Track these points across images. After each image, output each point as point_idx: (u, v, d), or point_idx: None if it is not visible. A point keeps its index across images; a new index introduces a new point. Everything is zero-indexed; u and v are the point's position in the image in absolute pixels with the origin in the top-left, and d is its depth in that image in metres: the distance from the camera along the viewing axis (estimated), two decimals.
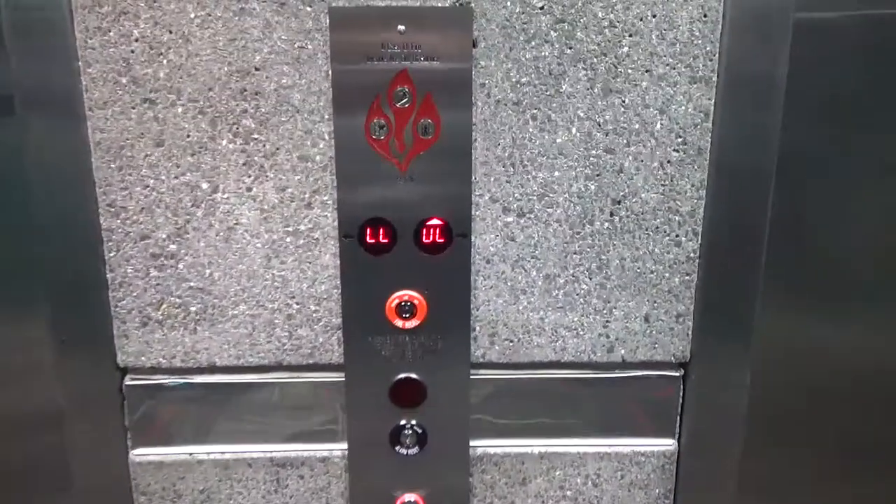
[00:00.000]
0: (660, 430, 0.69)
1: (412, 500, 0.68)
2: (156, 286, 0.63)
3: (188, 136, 0.59)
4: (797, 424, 0.68)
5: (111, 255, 0.62)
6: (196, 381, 0.66)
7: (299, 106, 0.59)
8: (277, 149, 0.60)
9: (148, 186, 0.60)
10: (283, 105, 0.59)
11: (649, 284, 0.64)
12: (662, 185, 0.62)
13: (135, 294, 0.63)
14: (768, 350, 0.66)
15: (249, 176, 0.61)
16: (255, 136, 0.60)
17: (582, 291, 0.64)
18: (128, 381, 0.66)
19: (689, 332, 0.66)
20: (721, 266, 0.64)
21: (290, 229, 0.62)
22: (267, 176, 0.61)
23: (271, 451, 0.68)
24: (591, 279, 0.64)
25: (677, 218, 0.63)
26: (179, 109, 0.59)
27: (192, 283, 0.63)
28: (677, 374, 0.68)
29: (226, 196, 0.61)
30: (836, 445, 0.70)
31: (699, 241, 0.63)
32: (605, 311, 0.65)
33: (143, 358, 0.65)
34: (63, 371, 0.64)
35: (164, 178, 0.60)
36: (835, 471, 0.71)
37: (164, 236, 0.62)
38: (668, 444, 0.69)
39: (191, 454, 0.68)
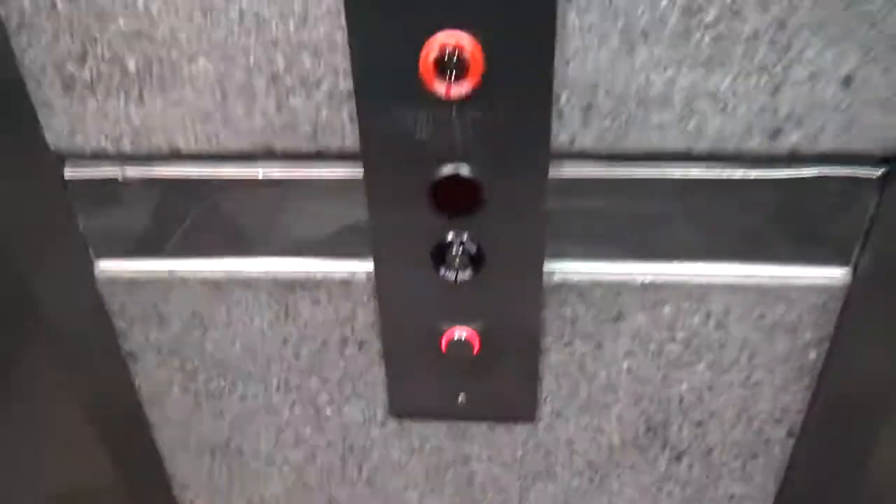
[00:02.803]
0: (828, 256, 0.42)
1: (463, 336, 0.45)
2: (69, 28, 0.36)
3: None
4: None
5: None
6: (157, 175, 0.41)
7: None
8: None
9: None
10: None
11: (865, 22, 0.33)
12: None
13: (43, 42, 0.36)
14: None
15: None
16: None
17: (745, 33, 0.34)
18: (69, 173, 0.42)
19: None
20: None
21: None
22: None
23: (275, 270, 0.45)
24: (764, 11, 0.33)
25: None
26: None
27: (122, 23, 0.36)
28: (875, 173, 0.38)
29: None
30: None
31: None
32: (777, 69, 0.34)
33: (78, 137, 0.40)
34: None
35: None
36: None
37: None
38: (836, 275, 0.42)
39: (170, 272, 0.45)
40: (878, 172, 0.40)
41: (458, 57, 0.36)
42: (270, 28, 0.38)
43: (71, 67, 0.40)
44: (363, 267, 0.47)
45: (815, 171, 0.40)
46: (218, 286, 0.48)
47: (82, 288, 0.49)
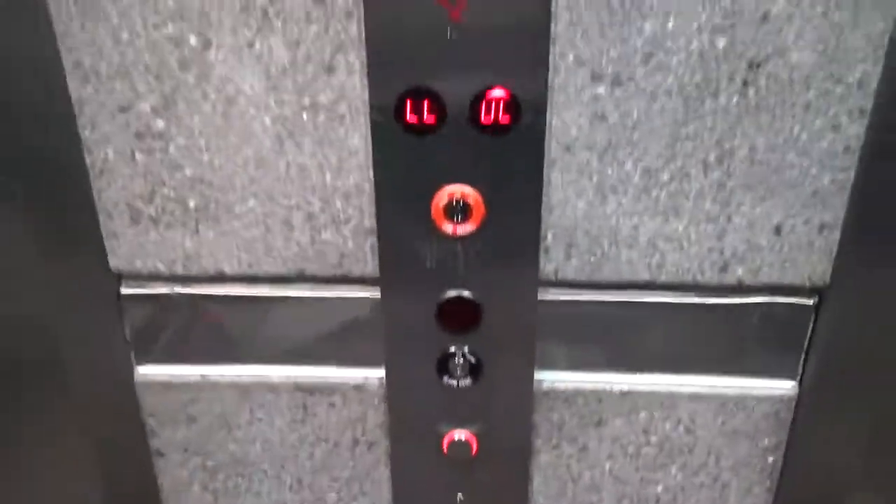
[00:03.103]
0: (777, 370, 0.50)
1: (462, 438, 0.51)
2: (144, 174, 0.45)
3: None
4: None
5: (87, 132, 0.44)
6: (202, 293, 0.50)
7: None
8: None
9: (121, 41, 0.41)
10: None
11: (787, 184, 0.43)
12: (823, 42, 0.39)
13: (120, 183, 0.46)
14: None
15: (249, 27, 0.41)
16: None
17: (693, 191, 0.44)
18: (125, 290, 0.50)
19: (834, 249, 0.44)
20: (889, 161, 0.42)
21: (306, 102, 0.43)
22: (272, 26, 0.40)
23: (296, 376, 0.52)
24: (706, 175, 0.43)
25: (839, 90, 0.40)
26: None
27: (188, 171, 0.45)
28: (809, 301, 0.47)
29: (221, 55, 0.41)
30: None
31: (865, 125, 0.41)
32: (721, 219, 0.44)
33: (137, 262, 0.48)
34: (52, 277, 0.48)
35: (139, 29, 0.41)
36: None
37: (147, 109, 0.43)
38: (785, 386, 0.50)
39: (203, 376, 0.52)
40: (811, 301, 0.50)
41: (463, 203, 0.46)
42: (311, 177, 0.47)
43: (140, 204, 0.49)
44: (375, 373, 0.54)
45: (760, 299, 0.50)
46: (245, 390, 0.55)
47: (121, 390, 0.55)
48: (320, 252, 0.49)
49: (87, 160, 0.47)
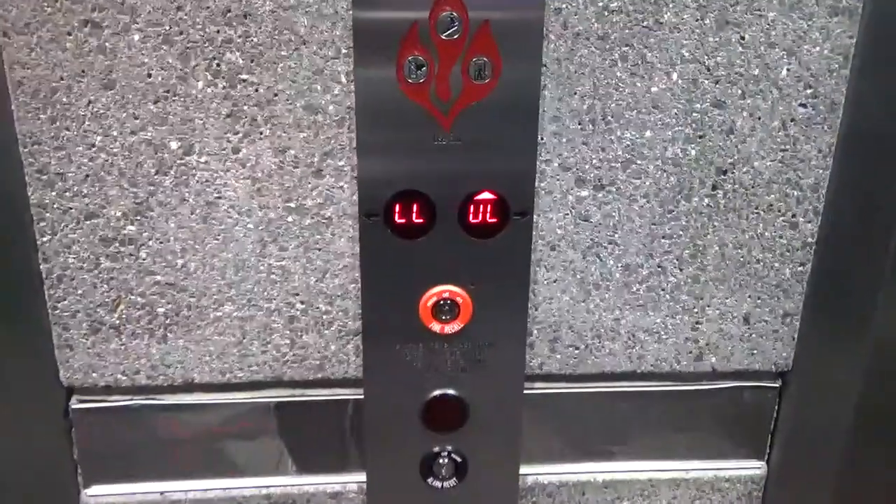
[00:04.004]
0: (747, 452, 0.53)
1: None
2: (109, 281, 0.44)
3: (149, 75, 0.39)
4: None
5: (45, 239, 0.42)
6: (166, 403, 0.47)
7: (306, 35, 0.39)
8: (275, 95, 0.40)
9: (94, 146, 0.41)
10: (284, 33, 0.39)
11: (753, 277, 0.48)
12: (782, 151, 0.45)
13: (80, 292, 0.44)
14: (886, 360, 0.49)
15: (236, 133, 0.41)
16: (244, 76, 0.40)
17: (669, 286, 0.47)
18: (76, 404, 0.47)
19: (795, 336, 0.49)
20: (840, 253, 0.47)
21: (292, 205, 0.43)
22: (260, 133, 0.41)
23: (268, 487, 0.50)
24: (681, 270, 0.47)
25: (796, 193, 0.46)
26: (136, 37, 0.39)
27: (158, 277, 0.44)
28: (775, 385, 0.51)
29: (203, 160, 0.41)
30: None
31: (818, 223, 0.46)
32: (695, 311, 0.48)
33: (94, 374, 0.46)
34: None
35: (115, 133, 0.41)
36: None
37: (118, 214, 0.42)
38: (755, 466, 0.53)
39: (162, 493, 0.50)
40: (776, 384, 0.54)
41: (451, 303, 0.47)
42: (294, 280, 0.47)
43: (101, 313, 0.47)
44: (354, 479, 0.53)
45: (730, 385, 0.53)
46: None
47: None
48: (300, 356, 0.49)
49: (43, 269, 0.45)
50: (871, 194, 0.48)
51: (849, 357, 0.51)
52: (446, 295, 0.46)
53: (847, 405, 0.53)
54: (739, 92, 0.44)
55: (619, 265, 0.48)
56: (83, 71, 0.40)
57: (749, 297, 0.49)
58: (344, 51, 0.41)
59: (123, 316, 0.46)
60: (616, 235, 0.47)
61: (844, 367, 0.52)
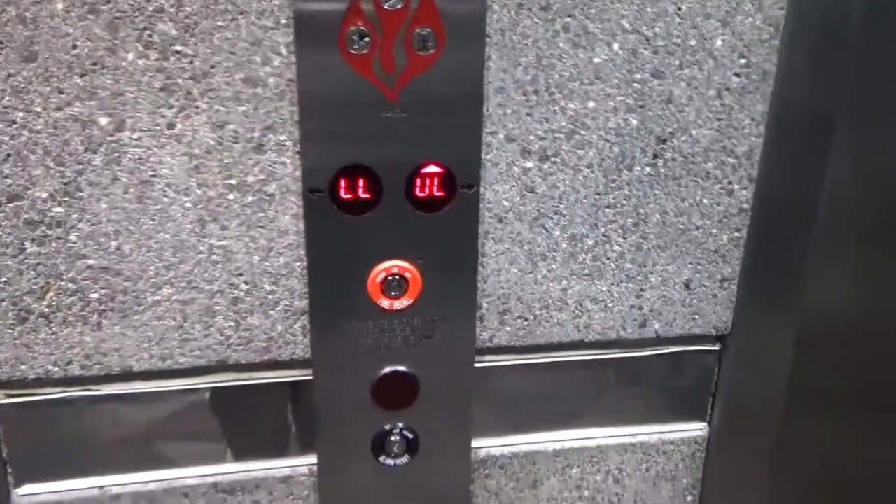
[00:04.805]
0: (690, 414, 0.57)
1: None
2: (36, 267, 0.42)
3: (74, 46, 0.38)
4: (844, 407, 0.58)
5: None
6: (102, 393, 0.47)
7: (243, 5, 0.39)
8: (212, 67, 0.40)
9: (15, 123, 0.39)
10: (219, 3, 0.39)
11: (693, 243, 0.50)
12: (718, 119, 0.47)
13: (4, 279, 0.42)
14: (819, 320, 0.54)
15: (171, 107, 0.41)
16: (178, 47, 0.39)
17: (614, 254, 0.50)
18: (2, 400, 0.45)
19: (734, 300, 0.53)
20: (773, 219, 0.51)
21: (232, 182, 0.43)
22: (197, 107, 0.41)
23: (214, 475, 0.50)
24: (625, 239, 0.49)
25: (731, 160, 0.49)
26: (59, 6, 0.37)
27: (91, 262, 0.43)
28: (714, 348, 0.55)
29: (136, 136, 0.41)
30: (887, 432, 0.60)
31: (753, 189, 0.49)
32: (639, 278, 0.51)
33: (22, 367, 0.45)
34: None
35: (39, 109, 0.39)
36: (883, 460, 0.61)
37: (44, 195, 0.41)
38: (698, 428, 0.57)
39: (101, 487, 0.49)
40: (716, 347, 0.57)
41: (400, 278, 0.48)
42: (235, 259, 0.47)
43: (28, 300, 0.46)
44: (304, 462, 0.54)
45: (673, 350, 0.56)
46: (153, 498, 0.52)
47: None
48: (245, 338, 0.49)
49: None
50: (802, 162, 0.51)
51: (784, 320, 0.55)
52: (395, 270, 0.47)
53: (783, 367, 0.56)
54: (677, 62, 0.46)
55: (566, 236, 0.50)
56: (1, 42, 0.39)
57: (689, 263, 0.52)
58: (283, 21, 0.41)
59: (53, 303, 0.45)
60: (562, 206, 0.49)
61: (780, 329, 0.56)
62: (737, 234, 0.52)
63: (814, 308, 0.54)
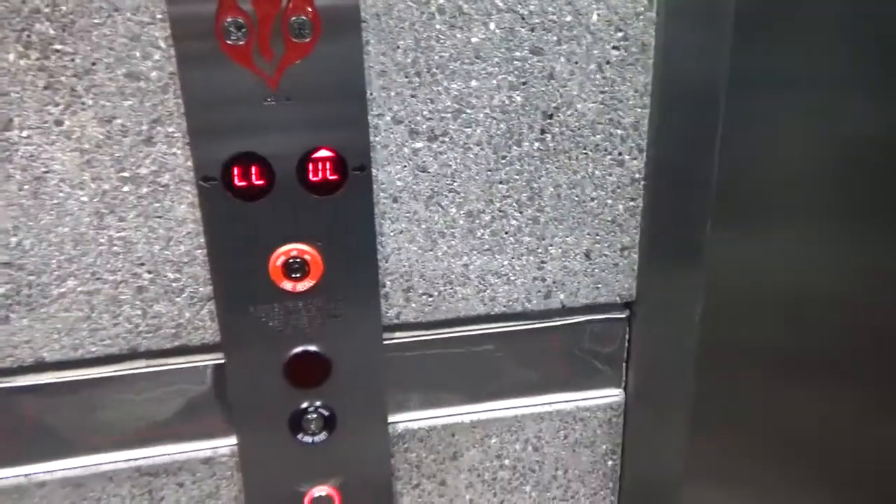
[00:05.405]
0: (605, 381, 0.59)
1: (324, 493, 0.55)
2: None
3: None
4: (751, 363, 0.60)
5: None
6: (18, 384, 0.49)
7: (116, 2, 0.41)
8: (93, 64, 0.42)
9: None
10: (93, 1, 0.41)
11: (590, 214, 0.53)
12: (601, 93, 0.49)
13: None
14: (720, 281, 0.56)
15: (57, 104, 0.43)
16: (57, 46, 0.41)
17: (512, 228, 0.52)
18: None
19: (635, 267, 0.55)
20: (668, 187, 0.53)
21: (125, 175, 0.45)
22: (83, 103, 0.43)
23: (137, 459, 0.53)
24: (521, 213, 0.52)
25: (619, 132, 0.51)
26: None
27: None
28: (622, 315, 0.57)
29: (25, 134, 0.43)
30: (793, 384, 0.62)
31: (644, 159, 0.52)
32: (539, 251, 0.53)
33: None
34: None
35: None
36: (795, 414, 0.63)
37: None
38: (614, 394, 0.60)
39: (27, 475, 0.51)
40: (624, 315, 0.60)
41: (300, 261, 0.51)
42: (137, 250, 0.50)
43: None
44: (225, 443, 0.56)
45: (581, 318, 0.59)
46: (79, 484, 0.55)
47: None
48: (154, 325, 0.51)
49: None
50: (691, 130, 0.53)
51: (688, 284, 0.57)
52: (294, 253, 0.50)
53: (691, 329, 0.59)
54: (555, 38, 0.49)
55: (462, 212, 0.52)
56: None
57: (588, 234, 0.55)
58: (159, 16, 0.43)
59: None
60: (455, 184, 0.51)
61: (686, 293, 0.58)
62: (632, 203, 0.54)
63: (716, 270, 0.56)
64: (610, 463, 0.62)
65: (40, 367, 0.50)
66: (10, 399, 0.51)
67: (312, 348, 0.52)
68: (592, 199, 0.53)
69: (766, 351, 0.60)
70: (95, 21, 0.42)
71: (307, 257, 0.49)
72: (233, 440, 0.55)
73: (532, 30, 0.48)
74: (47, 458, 0.53)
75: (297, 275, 0.50)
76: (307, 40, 0.44)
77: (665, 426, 0.62)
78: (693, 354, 0.59)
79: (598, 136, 0.52)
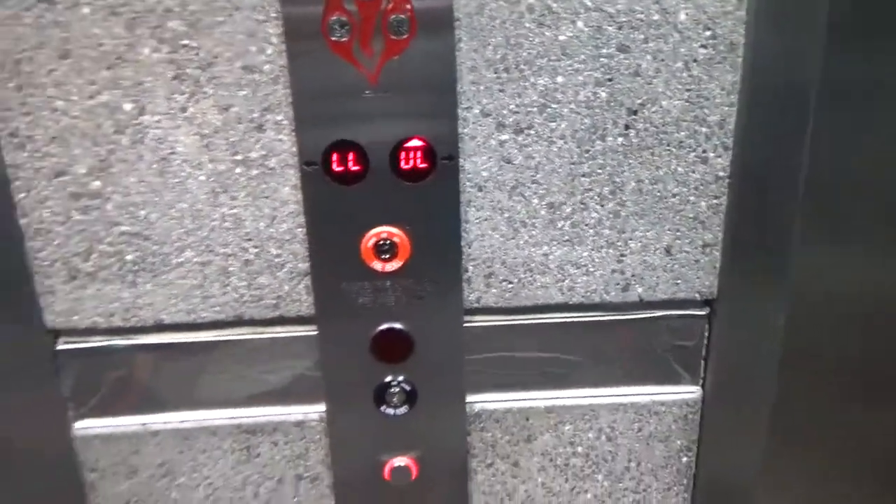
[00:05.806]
0: (682, 377, 0.60)
1: (403, 463, 0.59)
2: (81, 232, 0.52)
3: (100, 44, 0.47)
4: (835, 370, 0.59)
5: (21, 196, 0.50)
6: (141, 342, 0.56)
7: (237, 1, 0.46)
8: (215, 57, 0.48)
9: (57, 110, 0.48)
10: (217, 1, 0.46)
11: (671, 210, 0.54)
12: (687, 90, 0.51)
13: (56, 242, 0.52)
14: (806, 285, 0.56)
15: (183, 93, 0.49)
16: (185, 41, 0.47)
17: (592, 221, 0.54)
18: (61, 346, 0.55)
19: (717, 265, 0.56)
20: (754, 187, 0.54)
21: (238, 157, 0.51)
22: (204, 92, 0.49)
23: (238, 417, 0.59)
24: (602, 206, 0.54)
25: (704, 129, 0.52)
26: (86, 10, 0.46)
27: (124, 228, 0.52)
28: (703, 312, 0.58)
29: (156, 119, 0.49)
30: (878, 393, 0.61)
31: (730, 158, 0.52)
32: (619, 244, 0.55)
33: (75, 317, 0.54)
34: None
35: (75, 98, 0.48)
36: (875, 420, 0.62)
37: (83, 171, 0.50)
38: (691, 391, 0.60)
39: (144, 424, 0.58)
40: (704, 312, 0.61)
41: (389, 243, 0.55)
42: (245, 226, 0.55)
43: (77, 261, 0.55)
44: (315, 409, 0.61)
45: (659, 313, 0.60)
46: (186, 436, 0.61)
47: (58, 446, 0.60)
48: (257, 296, 0.57)
49: (22, 222, 0.53)
50: (779, 130, 0.53)
51: (773, 284, 0.58)
52: (384, 235, 0.54)
53: (775, 331, 0.59)
54: (642, 37, 0.50)
55: (544, 203, 0.55)
56: (41, 43, 0.48)
57: (668, 229, 0.56)
58: (273, 14, 0.48)
59: (97, 264, 0.54)
60: (538, 175, 0.54)
61: (770, 294, 0.58)
62: (715, 200, 0.55)
63: (802, 272, 0.56)
64: (684, 459, 0.63)
65: (160, 328, 0.56)
66: (134, 356, 0.58)
67: (397, 326, 0.57)
68: (674, 196, 0.55)
69: (850, 361, 0.59)
70: (219, 19, 0.48)
71: (396, 240, 0.53)
72: (322, 407, 0.60)
73: (619, 28, 0.50)
74: (161, 410, 0.60)
75: (387, 256, 0.54)
76: (404, 37, 0.48)
77: (743, 428, 0.62)
78: (777, 358, 0.59)
79: (682, 133, 0.53)
